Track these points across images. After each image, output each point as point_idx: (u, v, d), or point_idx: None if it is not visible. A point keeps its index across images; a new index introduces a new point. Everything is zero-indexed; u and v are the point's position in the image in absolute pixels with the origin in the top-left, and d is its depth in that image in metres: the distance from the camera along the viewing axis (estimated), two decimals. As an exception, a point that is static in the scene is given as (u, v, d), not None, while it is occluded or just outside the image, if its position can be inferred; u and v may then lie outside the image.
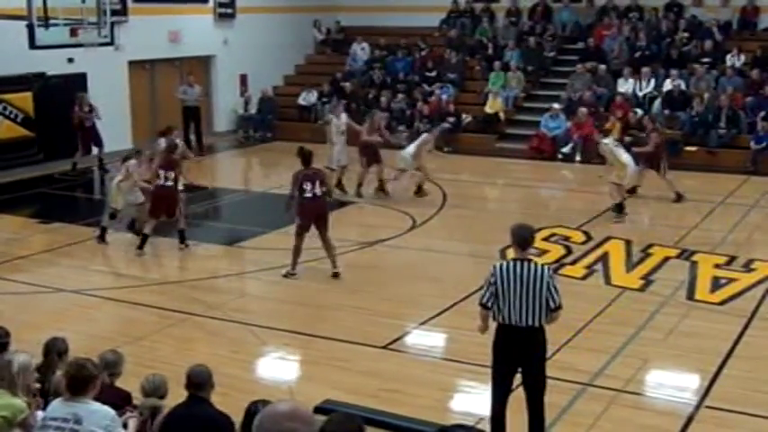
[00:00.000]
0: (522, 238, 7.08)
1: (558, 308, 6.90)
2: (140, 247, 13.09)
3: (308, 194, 11.68)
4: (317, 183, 11.77)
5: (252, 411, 5.34)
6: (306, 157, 11.97)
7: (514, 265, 6.88)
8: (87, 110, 18.99)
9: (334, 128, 17.06)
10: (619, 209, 14.99)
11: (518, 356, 7.06)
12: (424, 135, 17.31)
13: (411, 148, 16.66)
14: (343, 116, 17.46)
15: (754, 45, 22.05)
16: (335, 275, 11.87)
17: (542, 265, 7.00)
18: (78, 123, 19.02)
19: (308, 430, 2.91)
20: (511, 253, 7.36)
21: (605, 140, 15.48)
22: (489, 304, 6.99)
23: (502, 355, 7.10)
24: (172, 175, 12.94)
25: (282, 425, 2.90)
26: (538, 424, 7.16)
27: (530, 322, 6.84)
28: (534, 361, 7.06)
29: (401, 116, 22.62)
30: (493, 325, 7.16)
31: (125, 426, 5.85)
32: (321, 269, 12.26)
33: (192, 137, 22.10)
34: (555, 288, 6.87)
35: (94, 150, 19.40)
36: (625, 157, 15.04)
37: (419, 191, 16.67)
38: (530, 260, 6.97)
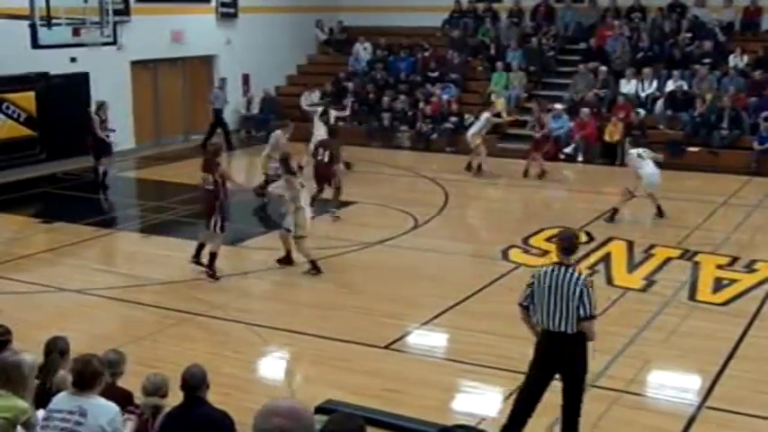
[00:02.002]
0: (567, 243, 7.15)
1: (588, 318, 6.85)
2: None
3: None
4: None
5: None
6: None
7: (552, 270, 6.95)
8: (103, 118, 17.76)
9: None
10: (612, 214, 14.87)
11: (551, 361, 7.09)
12: (485, 114, 18.85)
13: (473, 128, 18.59)
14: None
15: (757, 45, 22.04)
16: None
17: (580, 273, 6.98)
18: (92, 130, 17.73)
19: (295, 426, 2.91)
20: (554, 257, 7.37)
21: (632, 150, 15.42)
22: (525, 303, 7.08)
23: (536, 357, 7.17)
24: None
25: (271, 421, 2.92)
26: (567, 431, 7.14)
27: (561, 327, 6.87)
28: (567, 367, 7.07)
29: (403, 116, 22.63)
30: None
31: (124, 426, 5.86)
32: (322, 269, 12.26)
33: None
34: (588, 297, 6.83)
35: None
36: (645, 170, 14.84)
37: (478, 169, 18.57)
38: (569, 266, 6.99)
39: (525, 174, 18.60)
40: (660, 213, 15.07)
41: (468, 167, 18.70)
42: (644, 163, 14.98)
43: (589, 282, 6.95)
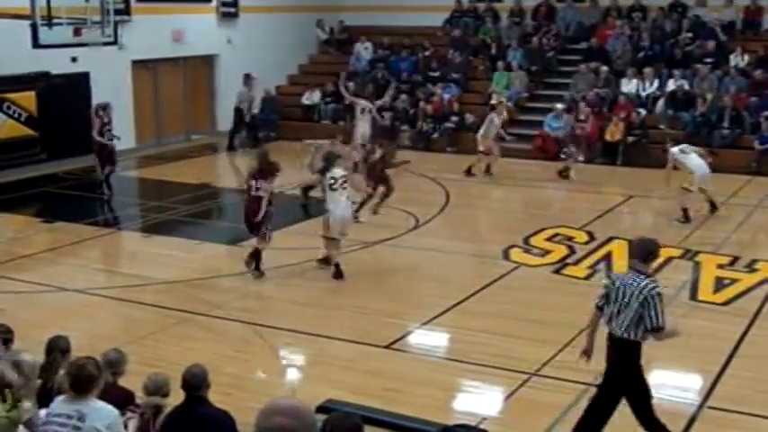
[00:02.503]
0: (642, 251, 7.14)
1: (655, 329, 6.83)
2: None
3: None
4: None
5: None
6: None
7: (626, 276, 7.01)
8: (106, 121, 17.04)
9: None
10: (685, 215, 14.81)
11: (613, 365, 7.11)
12: (491, 115, 18.57)
13: (480, 130, 18.43)
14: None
15: (758, 45, 22.01)
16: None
17: (649, 282, 6.87)
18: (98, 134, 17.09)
19: (295, 425, 2.92)
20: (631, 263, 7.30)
21: (673, 149, 15.32)
22: (600, 304, 7.15)
23: (606, 359, 7.17)
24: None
25: (273, 420, 2.93)
26: None
27: (621, 333, 6.89)
28: (622, 373, 7.06)
29: (404, 116, 22.62)
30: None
31: (125, 426, 5.86)
32: (323, 269, 12.27)
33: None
34: (654, 307, 6.77)
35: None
36: (693, 163, 14.85)
37: (487, 170, 18.49)
38: (641, 273, 6.95)
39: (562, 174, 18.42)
40: (714, 207, 15.13)
41: (469, 171, 18.47)
42: (689, 157, 15.00)
43: (656, 293, 6.82)
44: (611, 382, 7.13)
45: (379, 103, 19.87)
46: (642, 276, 6.91)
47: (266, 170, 11.87)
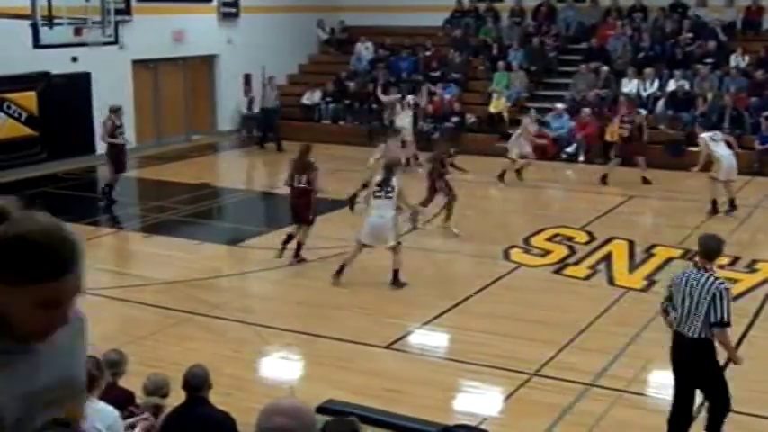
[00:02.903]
0: (707, 248, 7.14)
1: (720, 324, 6.79)
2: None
3: None
4: None
5: None
6: None
7: (691, 273, 7.00)
8: (118, 124, 16.61)
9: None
10: (713, 206, 15.05)
11: (684, 366, 7.09)
12: (525, 121, 18.45)
13: (513, 137, 18.15)
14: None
15: (759, 45, 22.00)
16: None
17: (716, 279, 6.91)
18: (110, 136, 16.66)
19: (296, 425, 2.92)
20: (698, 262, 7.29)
21: (703, 134, 15.45)
22: (665, 305, 7.16)
23: (673, 363, 7.19)
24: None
25: (274, 420, 2.94)
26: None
27: (691, 332, 6.87)
28: (700, 374, 7.06)
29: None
30: None
31: (133, 427, 5.86)
32: (323, 269, 12.27)
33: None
34: (721, 302, 6.76)
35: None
36: (720, 153, 15.00)
37: (518, 174, 18.00)
38: (707, 270, 6.98)
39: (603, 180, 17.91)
40: (732, 206, 15.17)
41: (501, 177, 17.98)
42: (719, 145, 15.09)
43: (724, 288, 6.85)
44: (693, 384, 7.12)
45: (412, 99, 20.33)
46: (707, 273, 6.92)
47: (308, 164, 12.46)
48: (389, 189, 11.54)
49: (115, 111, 16.67)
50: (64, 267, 2.14)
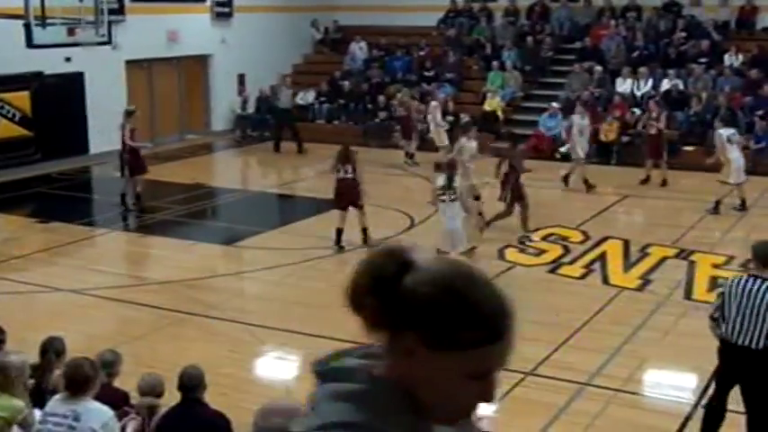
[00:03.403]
0: (765, 255, 6.78)
1: None
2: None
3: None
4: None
5: None
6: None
7: (746, 281, 6.67)
8: (132, 127, 16.05)
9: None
10: (716, 206, 15.07)
11: (735, 375, 6.84)
12: (575, 117, 17.46)
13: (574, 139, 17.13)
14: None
15: (752, 45, 22.04)
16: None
17: None
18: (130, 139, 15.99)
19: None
20: (752, 269, 7.01)
21: (721, 131, 15.34)
22: (716, 316, 6.83)
23: (721, 370, 7.02)
24: None
25: (270, 420, 2.95)
26: None
27: (747, 342, 6.59)
28: (752, 386, 6.77)
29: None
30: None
31: (124, 428, 5.85)
32: (319, 268, 12.27)
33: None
34: None
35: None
36: (733, 155, 14.98)
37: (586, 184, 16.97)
38: (765, 279, 6.63)
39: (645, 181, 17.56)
40: (743, 206, 15.26)
41: (566, 179, 17.33)
42: (732, 148, 15.09)
43: None
44: (727, 386, 6.92)
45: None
46: (765, 281, 6.62)
47: (351, 154, 13.24)
48: (453, 191, 11.66)
49: (131, 113, 16.18)
50: (501, 329, 1.83)
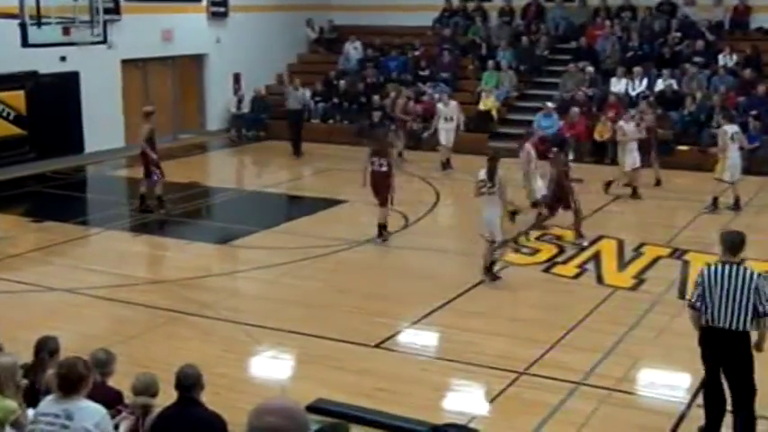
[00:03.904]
0: (732, 242, 7.27)
1: (766, 314, 6.95)
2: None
3: None
4: None
5: None
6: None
7: (722, 268, 7.06)
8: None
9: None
10: (713, 203, 15.26)
11: (719, 358, 7.20)
12: (622, 124, 16.83)
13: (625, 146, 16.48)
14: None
15: (746, 45, 22.09)
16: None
17: (753, 271, 7.10)
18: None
19: (287, 425, 2.94)
20: (721, 256, 7.37)
21: (726, 127, 15.41)
22: (698, 305, 7.15)
23: (704, 355, 7.31)
24: None
25: (265, 419, 2.96)
26: (744, 429, 7.24)
27: (733, 326, 6.97)
28: (736, 365, 7.18)
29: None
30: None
31: (116, 427, 5.85)
32: (313, 268, 12.28)
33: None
34: (765, 294, 6.92)
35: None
36: (732, 153, 15.10)
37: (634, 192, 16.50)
38: (739, 263, 7.13)
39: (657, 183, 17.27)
40: (737, 206, 15.35)
41: (608, 185, 16.83)
42: (733, 146, 15.17)
43: (763, 279, 7.02)
44: (714, 367, 7.27)
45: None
46: (742, 267, 7.08)
47: (385, 148, 13.83)
48: (492, 184, 11.69)
49: (149, 114, 15.94)
50: None
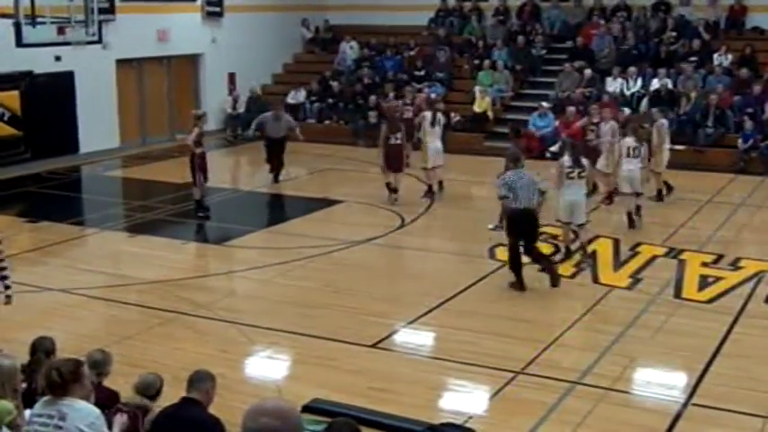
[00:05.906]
0: (515, 156, 8.87)
1: (542, 194, 8.08)
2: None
3: None
4: None
5: None
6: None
7: (517, 174, 8.56)
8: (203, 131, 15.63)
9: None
10: (658, 195, 15.86)
11: (522, 230, 9.52)
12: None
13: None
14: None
15: (742, 44, 22.12)
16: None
17: (529, 173, 7.95)
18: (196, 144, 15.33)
19: (281, 425, 2.94)
20: None
21: (664, 120, 15.88)
22: (509, 196, 9.19)
23: (517, 228, 9.58)
24: None
25: (258, 420, 2.96)
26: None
27: (528, 206, 8.02)
28: (529, 231, 10.57)
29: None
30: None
31: (110, 426, 5.83)
32: (309, 268, 12.27)
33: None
34: (537, 185, 7.87)
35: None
36: (666, 145, 15.66)
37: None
38: (520, 168, 8.64)
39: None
40: (660, 197, 15.81)
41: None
42: (668, 139, 15.73)
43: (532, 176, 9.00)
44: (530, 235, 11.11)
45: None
46: (526, 171, 9.27)
47: (399, 126, 16.09)
48: (581, 169, 12.23)
49: (200, 116, 15.64)
50: None
